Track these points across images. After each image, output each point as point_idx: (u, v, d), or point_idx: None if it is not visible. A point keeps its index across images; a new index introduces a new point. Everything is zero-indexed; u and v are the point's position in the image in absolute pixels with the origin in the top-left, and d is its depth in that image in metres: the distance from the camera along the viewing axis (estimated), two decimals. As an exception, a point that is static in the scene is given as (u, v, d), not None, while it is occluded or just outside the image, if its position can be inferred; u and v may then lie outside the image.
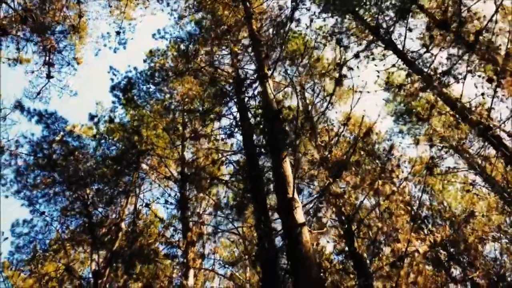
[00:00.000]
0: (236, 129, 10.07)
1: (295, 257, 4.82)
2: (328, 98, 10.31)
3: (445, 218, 11.61)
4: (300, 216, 5.32)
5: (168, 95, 15.60)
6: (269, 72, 8.02)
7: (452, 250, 9.60)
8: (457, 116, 8.21)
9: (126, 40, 13.77)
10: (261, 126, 7.98)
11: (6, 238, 12.72)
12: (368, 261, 8.41)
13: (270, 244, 6.52)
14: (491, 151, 13.19)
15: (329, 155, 9.75)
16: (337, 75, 10.77)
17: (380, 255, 8.49)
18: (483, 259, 9.94)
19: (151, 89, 15.61)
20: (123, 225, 10.98)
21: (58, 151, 11.52)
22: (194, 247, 10.19)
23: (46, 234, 13.94)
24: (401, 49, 10.55)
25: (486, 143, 8.57)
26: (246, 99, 10.62)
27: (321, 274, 4.29)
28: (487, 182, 13.38)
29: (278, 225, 7.52)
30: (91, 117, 12.47)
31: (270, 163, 7.26)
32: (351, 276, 8.32)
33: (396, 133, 16.39)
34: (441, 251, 10.80)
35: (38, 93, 11.38)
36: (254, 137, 8.84)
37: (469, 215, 10.56)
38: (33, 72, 11.31)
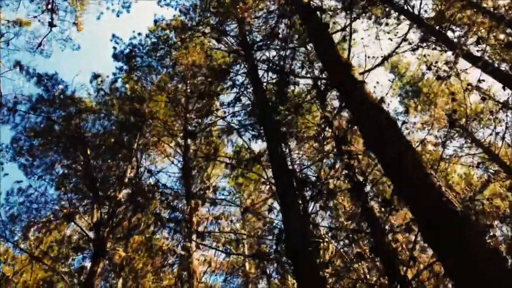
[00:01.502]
0: (246, 91, 9.74)
1: (361, 106, 4.57)
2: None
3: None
4: (358, 76, 5.10)
5: (171, 69, 15.24)
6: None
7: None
8: (480, 69, 7.96)
9: (130, 3, 13.33)
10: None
11: None
12: (382, 221, 8.11)
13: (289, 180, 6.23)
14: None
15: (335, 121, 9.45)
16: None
17: (395, 215, 8.20)
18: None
19: (153, 63, 15.25)
20: (126, 180, 10.56)
21: (57, 112, 11.05)
22: (198, 211, 9.83)
23: (43, 204, 13.40)
24: (416, 13, 10.28)
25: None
26: (256, 62, 10.31)
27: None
28: (495, 161, 13.15)
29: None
30: (95, 76, 11.99)
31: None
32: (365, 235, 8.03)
33: (401, 113, 16.07)
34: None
35: (40, 44, 10.88)
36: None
37: (482, 187, 10.32)
38: (35, 17, 10.78)
